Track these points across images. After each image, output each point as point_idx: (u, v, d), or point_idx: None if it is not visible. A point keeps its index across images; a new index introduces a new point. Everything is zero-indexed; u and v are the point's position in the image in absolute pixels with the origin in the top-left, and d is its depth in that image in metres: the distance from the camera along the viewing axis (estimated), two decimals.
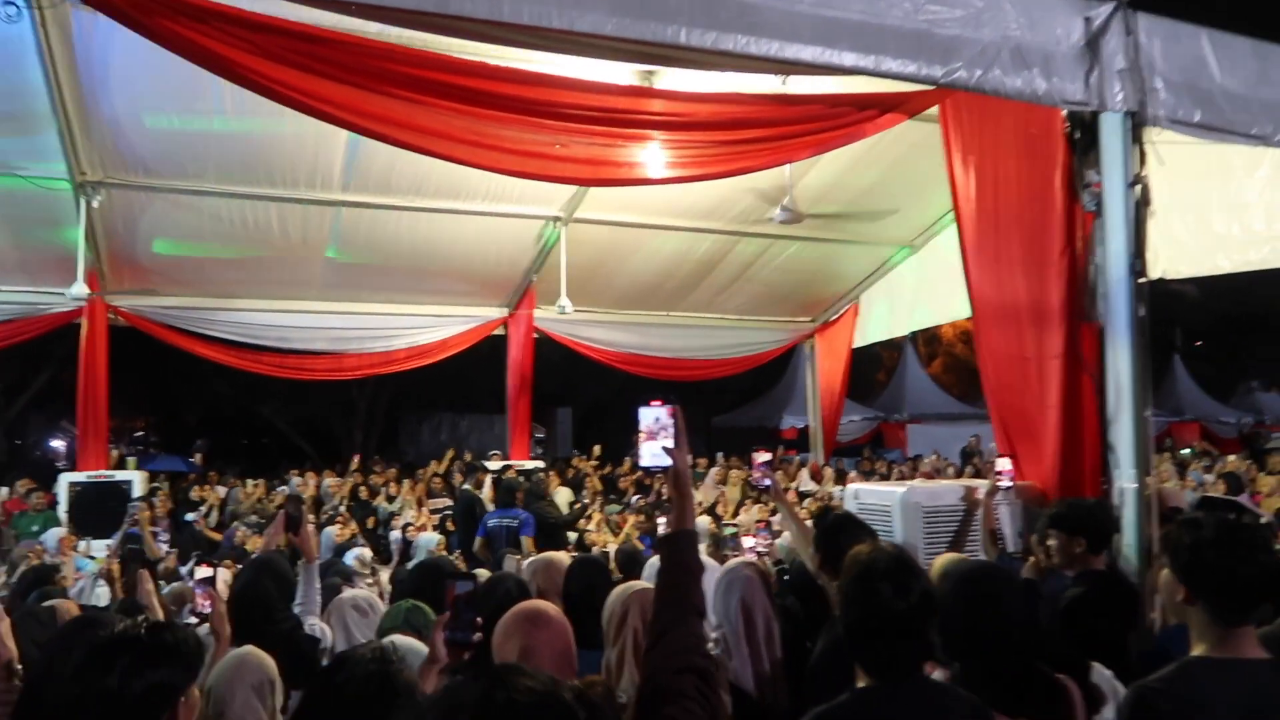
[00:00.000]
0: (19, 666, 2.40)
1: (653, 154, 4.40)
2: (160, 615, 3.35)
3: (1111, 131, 4.55)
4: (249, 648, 2.79)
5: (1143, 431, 4.49)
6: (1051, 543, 4.12)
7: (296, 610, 3.68)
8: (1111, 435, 4.54)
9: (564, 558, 4.00)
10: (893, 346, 23.18)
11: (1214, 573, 2.31)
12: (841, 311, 13.09)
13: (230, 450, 23.31)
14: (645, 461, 2.29)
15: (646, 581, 3.45)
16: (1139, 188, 4.50)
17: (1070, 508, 4.12)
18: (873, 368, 25.04)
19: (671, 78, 4.32)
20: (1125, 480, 4.52)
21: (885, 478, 14.22)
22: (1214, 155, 4.65)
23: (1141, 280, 4.46)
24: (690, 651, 2.03)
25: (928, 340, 26.59)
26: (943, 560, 3.70)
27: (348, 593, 3.98)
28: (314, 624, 3.69)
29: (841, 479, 13.89)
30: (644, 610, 2.84)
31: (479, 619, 2.63)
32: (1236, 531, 2.37)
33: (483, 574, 6.03)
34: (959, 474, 14.25)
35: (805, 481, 13.57)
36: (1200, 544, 2.38)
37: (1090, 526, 4.04)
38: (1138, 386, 4.47)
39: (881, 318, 12.65)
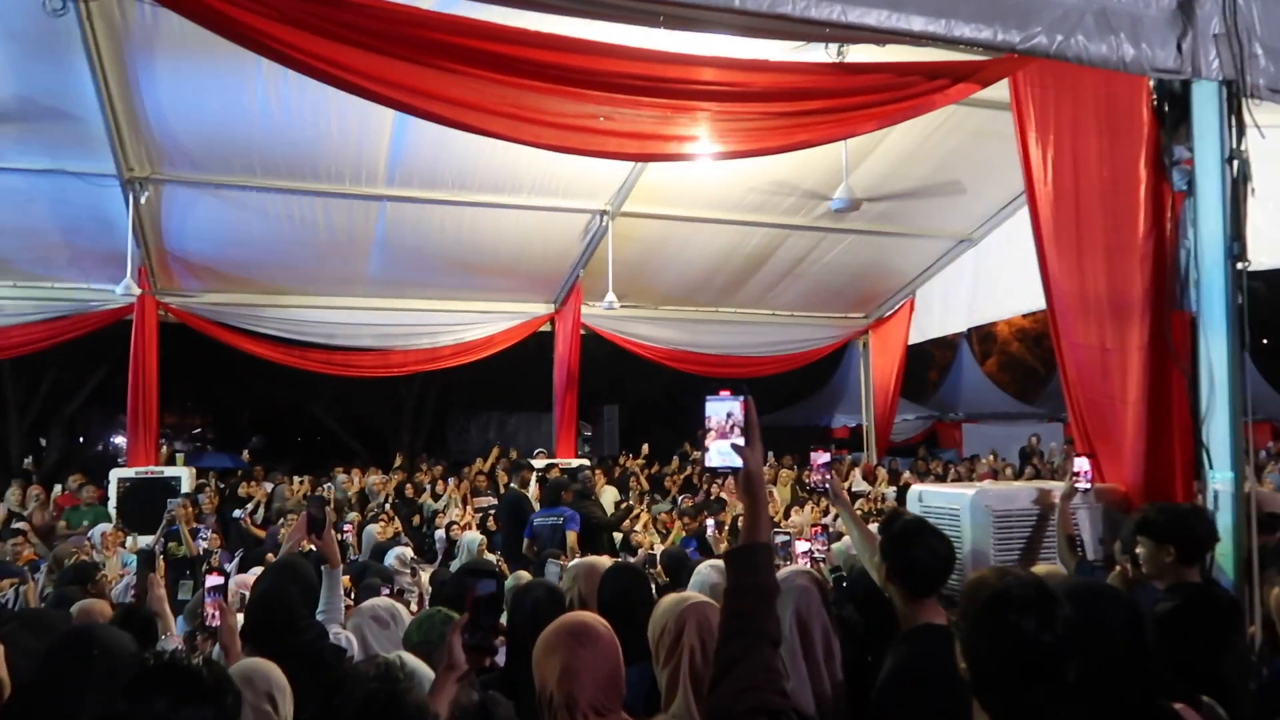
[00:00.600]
0: None
1: (705, 127, 4.07)
2: (170, 622, 3.12)
3: (1205, 103, 4.13)
4: (255, 660, 2.54)
5: (1240, 429, 4.08)
6: (1140, 551, 3.73)
7: (320, 618, 3.43)
8: (1205, 433, 4.13)
9: (607, 563, 3.71)
10: (946, 345, 22.59)
11: None
12: (896, 307, 12.66)
13: (282, 448, 23.46)
14: (713, 462, 1.99)
15: (693, 592, 3.12)
16: (1236, 164, 4.08)
17: (1160, 512, 3.71)
18: (924, 366, 24.43)
19: (722, 46, 3.99)
20: (1220, 482, 4.10)
21: (941, 478, 13.75)
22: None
23: (1240, 265, 4.04)
24: (762, 689, 1.73)
25: (982, 339, 25.92)
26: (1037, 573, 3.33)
27: (368, 601, 3.70)
28: (339, 633, 3.43)
29: (895, 479, 13.47)
30: (701, 627, 2.53)
31: (501, 622, 2.36)
32: None
33: (524, 576, 5.78)
34: (1018, 475, 13.73)
35: (858, 482, 13.16)
36: None
37: (1183, 534, 3.63)
38: (1235, 380, 4.05)
39: (938, 313, 12.18)
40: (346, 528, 7.81)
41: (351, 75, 3.44)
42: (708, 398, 2.02)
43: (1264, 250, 7.17)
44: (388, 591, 5.11)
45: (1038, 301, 10.47)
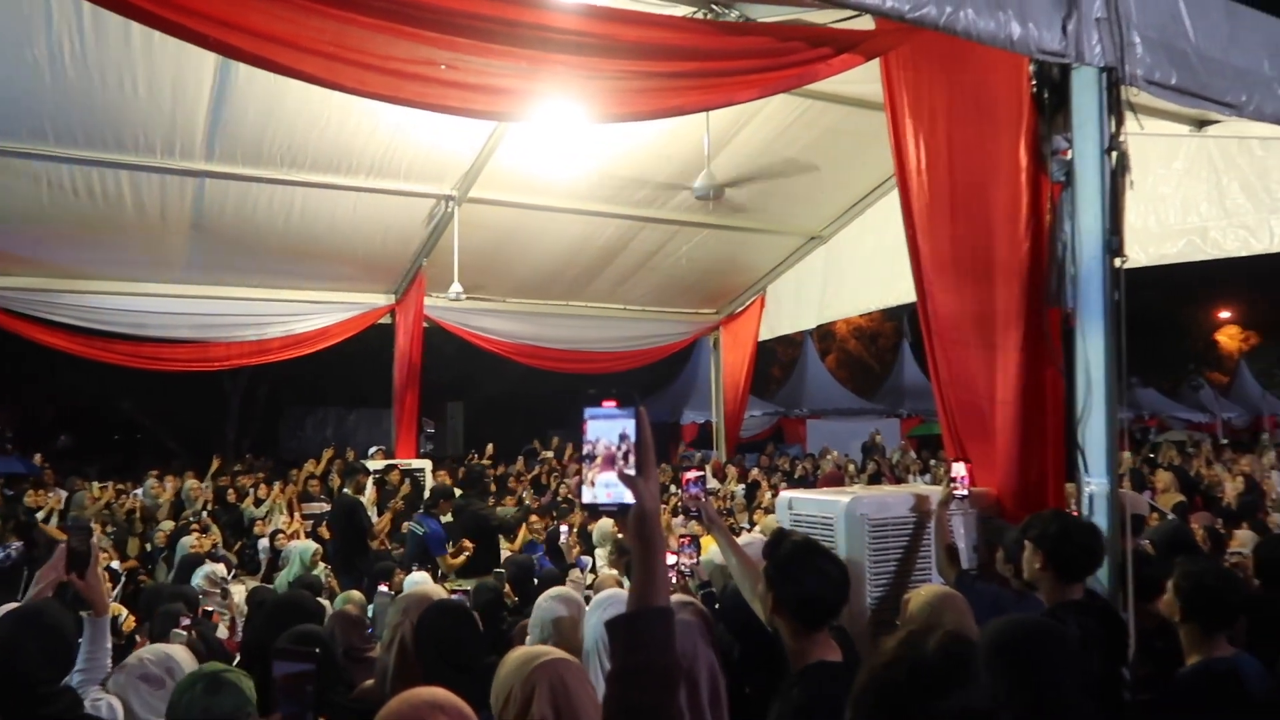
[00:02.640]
0: None
1: (563, 84, 3.51)
2: None
3: (1085, 90, 3.93)
4: None
5: (1115, 431, 3.90)
6: (1024, 558, 3.43)
7: (76, 680, 2.69)
8: (1081, 434, 3.93)
9: (440, 593, 3.11)
10: (790, 342, 22.91)
11: None
12: (748, 304, 12.49)
13: (94, 448, 21.34)
14: (594, 497, 1.43)
15: (544, 646, 2.58)
16: (1115, 155, 3.90)
17: (1052, 524, 3.40)
18: (768, 362, 24.77)
19: None
20: (1096, 485, 3.91)
21: (789, 475, 13.74)
22: (1131, 143, 4.11)
23: (1119, 261, 3.86)
24: None
25: (821, 336, 26.51)
26: (926, 596, 2.98)
27: (135, 654, 2.92)
28: (100, 699, 2.69)
29: (744, 477, 13.34)
30: (554, 693, 2.00)
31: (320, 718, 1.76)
32: None
33: (354, 597, 5.08)
34: (860, 470, 13.88)
35: (708, 479, 12.93)
36: None
37: (1071, 552, 3.32)
38: (1112, 381, 3.87)
39: (789, 310, 12.08)
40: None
41: None
42: (587, 411, 1.45)
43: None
44: (188, 622, 4.32)
45: (885, 299, 10.65)
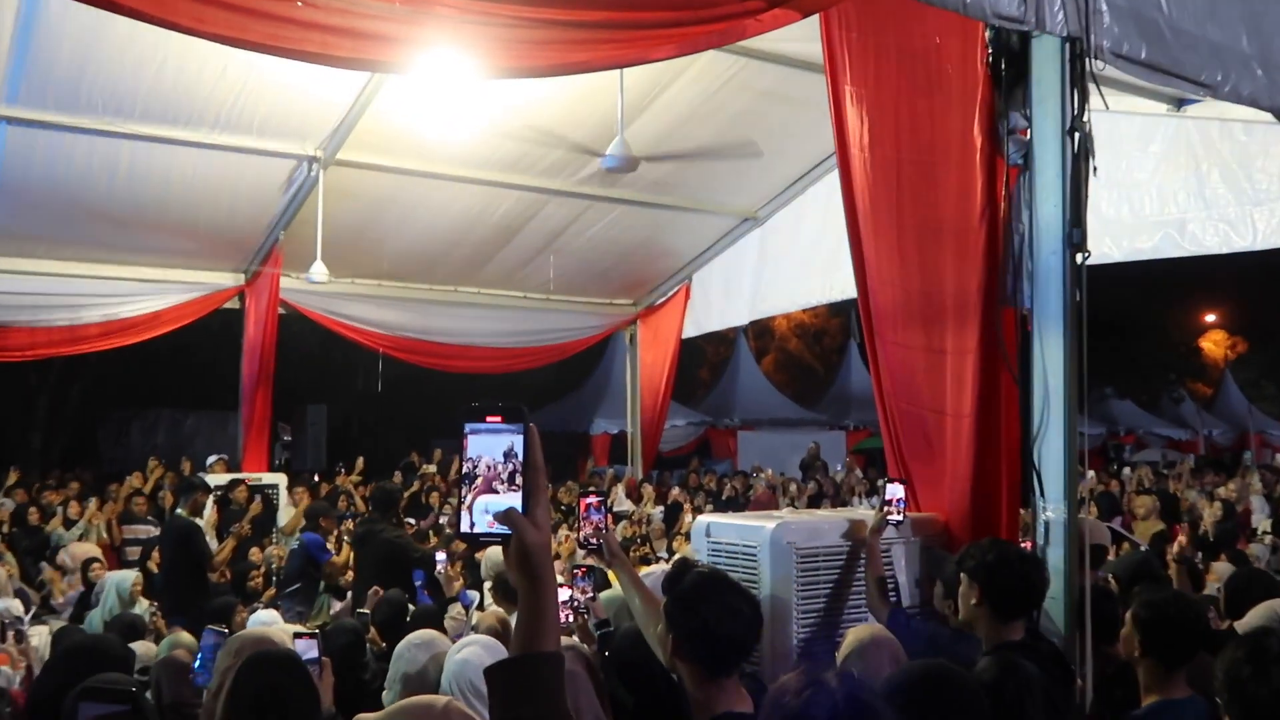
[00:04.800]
0: None
1: (448, 32, 3.50)
2: None
3: (1046, 62, 4.12)
4: None
5: (1074, 449, 4.09)
6: (960, 593, 3.56)
7: None
8: (1036, 453, 4.11)
9: (282, 636, 3.08)
10: (721, 340, 23.15)
11: None
12: (670, 294, 12.63)
13: None
14: (471, 526, 1.45)
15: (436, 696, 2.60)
16: (1078, 136, 4.09)
17: (983, 551, 3.52)
18: (695, 363, 24.99)
19: None
20: (1052, 511, 4.10)
21: (715, 496, 13.91)
22: (1103, 122, 4.31)
23: (1080, 257, 4.05)
24: None
25: (758, 334, 26.87)
26: (852, 639, 3.09)
27: None
28: None
29: (663, 498, 13.46)
30: None
31: None
32: None
33: (184, 639, 5.00)
34: (801, 490, 14.14)
35: (620, 500, 13.04)
36: None
37: (1007, 586, 3.44)
38: (1071, 392, 4.05)
39: (718, 303, 12.25)
40: None
41: None
42: (468, 427, 1.47)
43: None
44: None
45: (829, 292, 10.86)
